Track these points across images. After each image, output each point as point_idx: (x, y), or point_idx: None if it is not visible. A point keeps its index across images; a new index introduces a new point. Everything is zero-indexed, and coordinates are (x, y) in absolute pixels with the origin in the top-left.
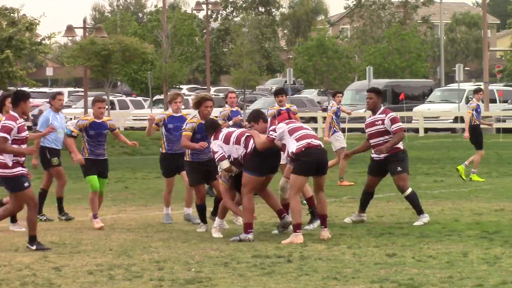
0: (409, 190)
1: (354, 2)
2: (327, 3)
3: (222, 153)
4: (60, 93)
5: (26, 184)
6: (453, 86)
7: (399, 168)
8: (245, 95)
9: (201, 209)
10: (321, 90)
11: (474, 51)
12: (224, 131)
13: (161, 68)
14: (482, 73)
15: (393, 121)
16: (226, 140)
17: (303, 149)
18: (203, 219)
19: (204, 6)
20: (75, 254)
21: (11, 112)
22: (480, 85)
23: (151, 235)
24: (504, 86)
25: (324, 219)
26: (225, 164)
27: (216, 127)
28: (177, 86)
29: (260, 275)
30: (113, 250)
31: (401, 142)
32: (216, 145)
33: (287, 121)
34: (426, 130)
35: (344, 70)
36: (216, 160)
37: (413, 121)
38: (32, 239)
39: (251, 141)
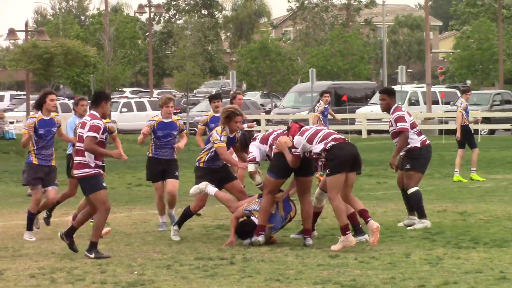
0: (413, 189)
1: (297, 5)
2: (270, 6)
3: (255, 155)
4: (83, 99)
5: (104, 184)
6: (396, 88)
7: (408, 165)
8: (188, 98)
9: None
10: (264, 92)
11: (417, 53)
12: (261, 134)
13: (103, 71)
14: (425, 75)
15: (396, 120)
16: (264, 140)
17: (332, 144)
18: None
19: (146, 9)
20: (17, 257)
21: (92, 112)
22: (423, 86)
23: None
24: (446, 87)
25: (365, 212)
26: (251, 167)
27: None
28: (120, 89)
29: (203, 277)
30: (56, 253)
31: (419, 139)
32: (253, 146)
33: (300, 131)
34: (369, 132)
35: (287, 72)
36: (248, 159)
37: (356, 123)
38: (92, 246)
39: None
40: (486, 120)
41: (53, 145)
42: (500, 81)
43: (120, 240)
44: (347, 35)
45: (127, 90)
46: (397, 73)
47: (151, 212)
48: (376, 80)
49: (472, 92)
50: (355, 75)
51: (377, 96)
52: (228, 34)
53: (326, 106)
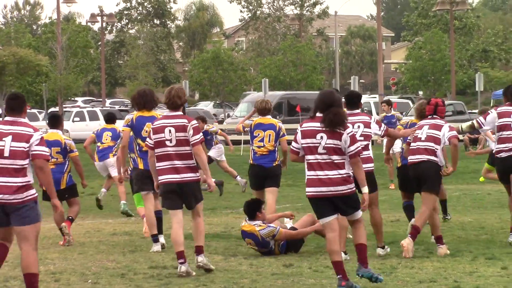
0: None
1: (249, 15)
2: (223, 16)
3: None
4: None
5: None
6: None
7: None
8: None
9: None
10: (217, 102)
11: (369, 64)
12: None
13: (56, 80)
14: (377, 86)
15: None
16: None
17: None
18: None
19: (99, 18)
20: None
21: None
22: (375, 97)
23: (47, 247)
24: (398, 98)
25: (416, 231)
26: None
27: None
28: (72, 99)
29: (157, 286)
30: (9, 262)
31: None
32: None
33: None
34: None
35: (240, 82)
36: None
37: None
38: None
39: None
40: None
41: None
42: (452, 92)
43: (73, 249)
44: (299, 45)
45: (80, 100)
46: (350, 84)
47: (104, 221)
48: None
49: None
50: (308, 85)
51: None
52: (181, 43)
53: (387, 115)
